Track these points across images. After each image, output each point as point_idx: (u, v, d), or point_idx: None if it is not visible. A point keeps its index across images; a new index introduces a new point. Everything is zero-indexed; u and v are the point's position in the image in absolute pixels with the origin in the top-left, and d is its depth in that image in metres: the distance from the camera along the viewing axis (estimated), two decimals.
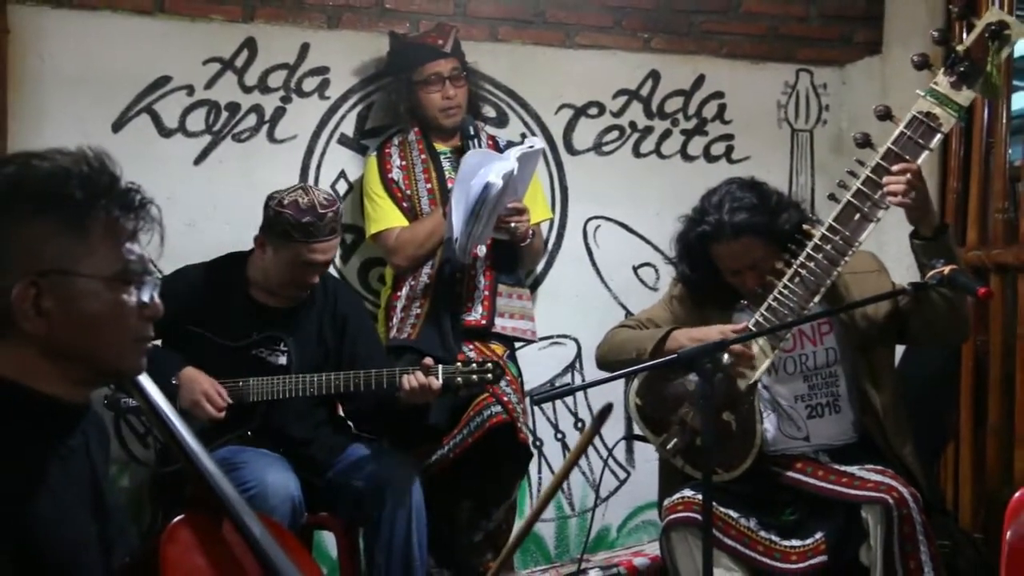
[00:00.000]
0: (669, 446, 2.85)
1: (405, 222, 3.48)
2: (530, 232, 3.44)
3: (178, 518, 1.53)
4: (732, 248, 2.82)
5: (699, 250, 2.89)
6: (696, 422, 2.78)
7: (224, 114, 3.69)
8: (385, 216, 3.50)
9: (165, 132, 3.64)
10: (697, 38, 4.17)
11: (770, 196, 2.88)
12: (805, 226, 2.77)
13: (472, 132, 3.46)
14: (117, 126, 3.59)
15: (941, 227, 2.66)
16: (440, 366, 2.98)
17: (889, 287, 2.86)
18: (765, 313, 2.73)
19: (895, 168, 2.59)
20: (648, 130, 4.13)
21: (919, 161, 2.61)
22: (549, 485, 1.73)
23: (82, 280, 1.41)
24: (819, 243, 2.69)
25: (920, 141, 2.62)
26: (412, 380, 2.93)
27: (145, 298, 1.48)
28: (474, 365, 3.00)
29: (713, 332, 2.78)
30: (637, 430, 2.96)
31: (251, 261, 3.12)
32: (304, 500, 2.87)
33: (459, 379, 2.99)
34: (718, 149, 4.19)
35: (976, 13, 2.66)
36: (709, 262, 2.89)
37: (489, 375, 3.00)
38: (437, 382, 2.94)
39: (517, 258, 3.55)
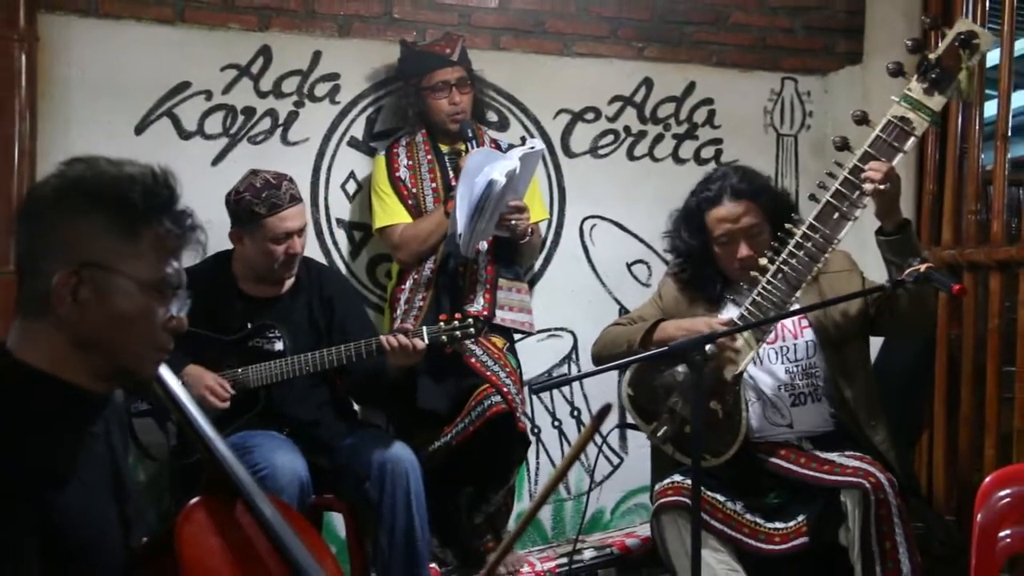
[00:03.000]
0: (659, 434, 2.85)
1: (409, 219, 3.48)
2: (529, 230, 3.44)
3: (194, 500, 1.54)
4: (731, 210, 2.85)
5: (697, 219, 2.90)
6: (684, 411, 2.79)
7: (240, 118, 3.69)
8: (391, 212, 3.49)
9: (184, 135, 3.64)
10: (688, 47, 4.16)
11: (767, 178, 3.01)
12: (787, 224, 2.77)
13: (471, 134, 3.45)
14: (139, 129, 3.59)
15: (903, 223, 2.68)
16: (424, 327, 2.99)
17: (860, 285, 2.88)
18: (750, 307, 2.74)
19: (873, 163, 2.61)
20: (642, 134, 4.12)
21: (894, 162, 2.63)
22: (548, 482, 1.72)
23: (121, 279, 1.43)
24: (800, 240, 2.71)
25: (895, 144, 2.64)
26: (392, 339, 2.93)
27: (174, 311, 1.49)
28: (455, 322, 3.00)
29: (699, 323, 2.79)
30: (629, 419, 2.96)
31: (235, 256, 3.13)
32: (312, 481, 2.87)
33: (444, 337, 2.99)
34: (708, 152, 4.19)
35: (950, 24, 2.67)
36: (704, 236, 2.90)
37: (471, 329, 2.99)
38: (421, 343, 2.94)
39: (516, 254, 3.54)
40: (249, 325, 3.04)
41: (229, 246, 3.20)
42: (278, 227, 3.00)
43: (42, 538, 1.33)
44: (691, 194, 2.99)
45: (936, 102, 2.61)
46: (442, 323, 3.02)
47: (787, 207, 2.89)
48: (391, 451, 2.97)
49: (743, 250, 2.83)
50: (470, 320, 3.00)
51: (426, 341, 2.96)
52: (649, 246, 4.09)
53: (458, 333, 2.99)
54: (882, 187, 2.59)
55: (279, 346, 3.02)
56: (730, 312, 2.85)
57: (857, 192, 2.65)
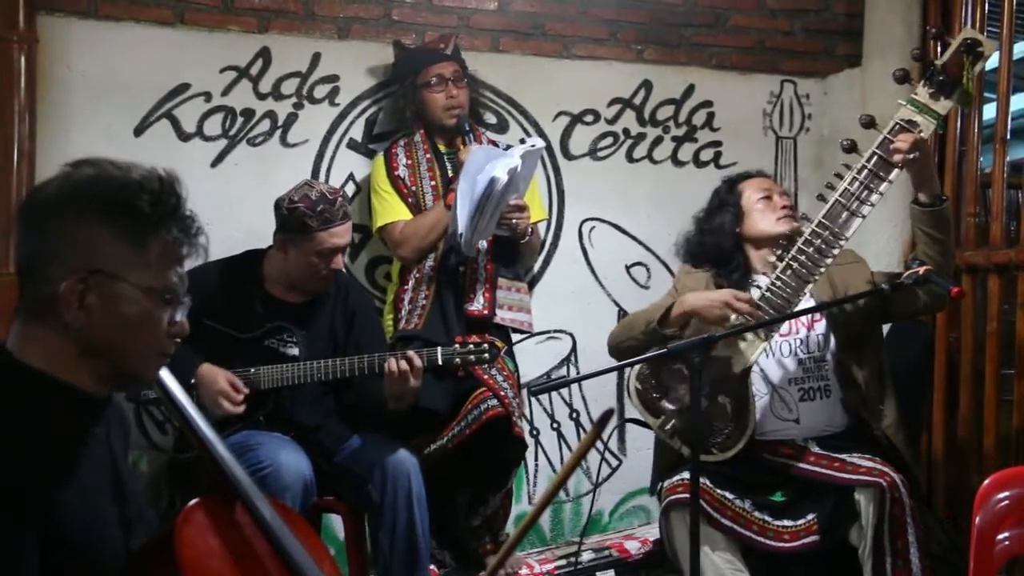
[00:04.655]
0: (667, 428, 2.86)
1: (410, 216, 3.47)
2: (529, 229, 3.44)
3: (193, 502, 1.53)
4: (756, 181, 3.08)
5: (730, 194, 3.06)
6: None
7: (240, 119, 3.69)
8: (391, 210, 3.49)
9: (184, 136, 3.64)
10: (687, 50, 4.16)
11: None
12: (795, 223, 2.83)
13: (468, 128, 3.46)
14: (139, 130, 3.59)
15: (941, 196, 2.72)
16: (439, 348, 2.98)
17: (868, 274, 2.95)
18: (760, 303, 2.76)
19: (901, 135, 2.65)
20: (641, 137, 4.12)
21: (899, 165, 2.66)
22: (549, 487, 1.73)
23: (128, 287, 1.43)
24: (809, 238, 2.75)
25: None
26: (393, 363, 2.91)
27: (177, 317, 1.50)
28: (471, 346, 3.00)
29: (725, 294, 2.80)
30: (636, 413, 2.97)
31: (268, 258, 3.13)
32: (315, 481, 2.87)
33: (457, 360, 2.98)
34: (707, 155, 4.19)
35: (950, 31, 2.70)
36: (736, 211, 3.02)
37: (486, 354, 2.99)
38: (419, 362, 2.92)
39: (516, 253, 3.54)
40: (268, 325, 3.03)
41: (230, 249, 3.20)
42: (326, 242, 2.99)
43: (42, 539, 1.33)
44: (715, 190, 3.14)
45: (942, 106, 2.66)
46: (457, 345, 3.02)
47: None
48: (393, 453, 2.97)
49: (783, 201, 3.01)
50: (485, 345, 3.00)
51: (440, 363, 2.96)
52: (648, 248, 4.09)
53: (472, 358, 2.98)
54: (911, 156, 2.62)
55: (294, 351, 3.02)
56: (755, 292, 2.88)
57: (866, 192, 2.69)
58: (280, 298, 3.11)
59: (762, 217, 2.99)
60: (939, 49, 2.70)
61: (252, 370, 2.96)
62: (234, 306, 3.02)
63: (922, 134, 2.65)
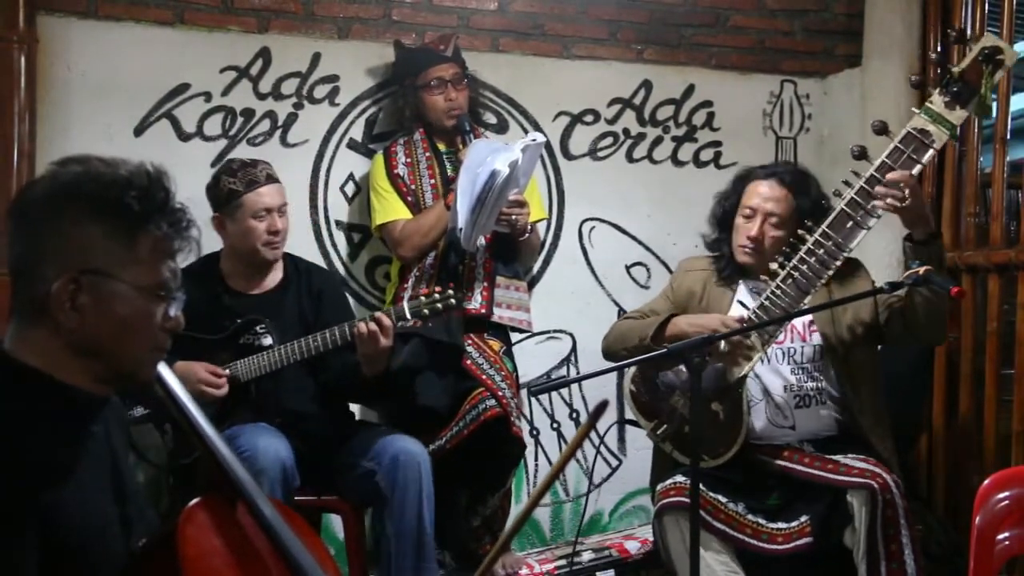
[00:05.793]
0: (660, 432, 2.86)
1: (409, 214, 3.47)
2: (528, 227, 3.43)
3: (195, 501, 1.53)
4: (770, 190, 2.90)
5: (739, 186, 2.98)
6: (686, 410, 2.79)
7: (240, 119, 3.69)
8: (391, 208, 3.49)
9: (184, 136, 3.64)
10: (688, 50, 4.16)
11: (812, 177, 3.02)
12: (800, 231, 2.77)
13: (468, 128, 3.46)
14: (139, 131, 3.59)
15: (935, 233, 2.67)
16: (406, 303, 2.99)
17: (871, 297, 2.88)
18: (758, 311, 2.75)
19: (888, 177, 2.59)
20: (641, 137, 4.13)
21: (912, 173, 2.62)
22: (545, 477, 1.73)
23: (121, 285, 1.42)
24: (812, 247, 2.72)
25: (913, 156, 2.62)
26: (362, 325, 2.92)
27: (171, 312, 1.49)
28: (436, 295, 2.98)
29: (713, 320, 2.80)
30: (630, 415, 2.97)
31: (222, 255, 3.16)
32: (300, 472, 2.86)
33: (425, 311, 2.98)
34: (707, 155, 4.19)
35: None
36: (735, 206, 2.96)
37: (452, 300, 2.97)
38: (387, 320, 2.92)
39: (515, 252, 3.54)
40: (238, 321, 3.04)
41: (219, 245, 3.20)
42: (256, 203, 3.04)
43: (42, 538, 1.33)
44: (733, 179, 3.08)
45: (957, 116, 2.60)
46: (423, 297, 3.00)
47: (817, 203, 2.93)
48: (402, 444, 2.97)
49: (754, 231, 2.87)
50: (450, 292, 2.99)
51: (409, 318, 2.96)
52: (648, 248, 4.09)
53: (439, 306, 2.96)
54: (905, 203, 2.59)
55: (268, 341, 3.03)
56: (740, 311, 2.86)
57: (872, 203, 2.64)
58: (244, 292, 3.13)
59: (736, 235, 2.95)
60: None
61: (229, 367, 2.98)
62: (202, 310, 2.99)
63: (935, 145, 2.59)
